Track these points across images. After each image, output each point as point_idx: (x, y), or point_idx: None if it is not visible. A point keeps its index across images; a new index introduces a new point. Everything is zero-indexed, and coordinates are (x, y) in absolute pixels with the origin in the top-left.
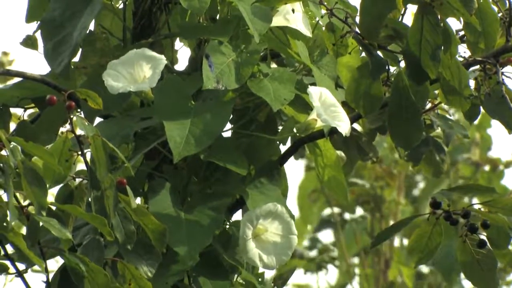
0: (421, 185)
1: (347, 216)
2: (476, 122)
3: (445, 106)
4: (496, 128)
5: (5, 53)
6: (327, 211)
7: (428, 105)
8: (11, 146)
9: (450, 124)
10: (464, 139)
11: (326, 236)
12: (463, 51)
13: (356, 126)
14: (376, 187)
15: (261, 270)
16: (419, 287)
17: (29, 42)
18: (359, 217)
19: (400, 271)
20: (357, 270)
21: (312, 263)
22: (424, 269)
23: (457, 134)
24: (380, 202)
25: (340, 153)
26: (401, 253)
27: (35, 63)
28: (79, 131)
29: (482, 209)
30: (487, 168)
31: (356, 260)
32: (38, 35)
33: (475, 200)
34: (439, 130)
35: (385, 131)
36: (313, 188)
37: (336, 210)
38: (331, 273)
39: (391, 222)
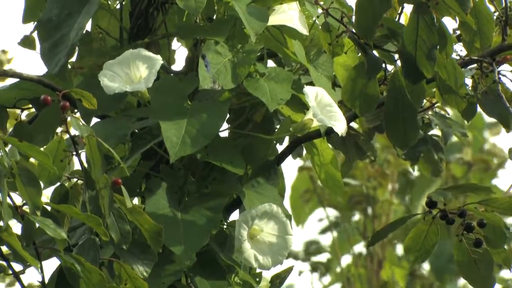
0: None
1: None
2: (467, 122)
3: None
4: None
5: (4, 51)
6: (322, 214)
7: (426, 104)
8: (9, 146)
9: (448, 123)
10: (462, 138)
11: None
12: (460, 50)
13: (354, 125)
14: (369, 187)
15: (258, 270)
16: (412, 286)
17: (26, 42)
18: (351, 217)
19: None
20: (350, 270)
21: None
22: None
23: (455, 133)
24: (373, 202)
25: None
26: (394, 254)
27: (33, 63)
28: (74, 131)
29: (478, 209)
30: (479, 168)
31: (349, 260)
32: (35, 35)
33: (467, 200)
34: (437, 129)
35: (383, 130)
36: (305, 188)
37: (329, 210)
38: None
39: (384, 222)
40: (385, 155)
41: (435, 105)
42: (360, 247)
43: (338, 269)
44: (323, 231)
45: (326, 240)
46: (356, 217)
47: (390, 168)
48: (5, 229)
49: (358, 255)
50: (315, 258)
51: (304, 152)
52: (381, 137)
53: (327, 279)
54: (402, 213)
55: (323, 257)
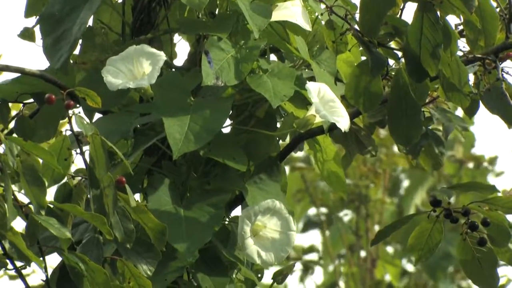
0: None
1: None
2: (470, 119)
3: None
4: (479, 125)
5: None
6: (312, 211)
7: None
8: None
9: (449, 117)
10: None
11: (313, 235)
12: (463, 45)
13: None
14: (361, 186)
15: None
16: (406, 285)
17: (26, 34)
18: (344, 216)
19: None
20: (343, 269)
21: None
22: (410, 267)
23: (456, 127)
24: (365, 201)
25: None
26: (387, 252)
27: (35, 58)
28: (78, 129)
29: (482, 207)
30: (471, 165)
31: (342, 259)
32: (36, 29)
33: (461, 198)
34: (438, 123)
35: (385, 125)
36: (298, 188)
37: (322, 209)
38: (317, 274)
39: (376, 221)
40: (378, 154)
41: (436, 99)
42: (353, 246)
43: (331, 268)
44: (308, 228)
45: (318, 239)
46: (349, 216)
47: (382, 167)
48: (10, 229)
49: (351, 254)
50: (306, 257)
51: (306, 148)
52: (374, 135)
53: (319, 278)
54: (394, 212)
55: (314, 256)
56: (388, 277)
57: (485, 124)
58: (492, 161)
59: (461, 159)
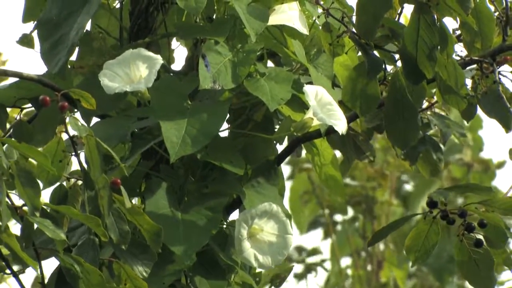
0: (412, 186)
1: (339, 217)
2: (467, 123)
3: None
4: (487, 129)
5: None
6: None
7: (425, 104)
8: (6, 146)
9: (447, 123)
10: (460, 138)
11: (317, 237)
12: (460, 50)
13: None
14: (368, 188)
15: (258, 270)
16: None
17: (25, 40)
18: (351, 218)
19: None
20: (349, 272)
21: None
22: (415, 269)
23: (454, 133)
24: (372, 203)
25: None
26: (393, 255)
27: (32, 62)
28: (72, 132)
29: (479, 209)
30: (478, 169)
31: (348, 261)
32: (34, 34)
33: (467, 201)
34: (436, 129)
35: (382, 130)
36: (304, 190)
37: (328, 211)
38: (321, 276)
39: (383, 223)
40: (385, 156)
41: (434, 105)
42: (359, 248)
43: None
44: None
45: (324, 241)
46: (356, 217)
47: (389, 169)
48: (4, 230)
49: (358, 256)
50: (309, 260)
51: (304, 152)
52: (381, 138)
53: (325, 280)
54: (401, 214)
55: (317, 258)
56: (394, 280)
57: (494, 128)
58: (501, 165)
59: (469, 162)
